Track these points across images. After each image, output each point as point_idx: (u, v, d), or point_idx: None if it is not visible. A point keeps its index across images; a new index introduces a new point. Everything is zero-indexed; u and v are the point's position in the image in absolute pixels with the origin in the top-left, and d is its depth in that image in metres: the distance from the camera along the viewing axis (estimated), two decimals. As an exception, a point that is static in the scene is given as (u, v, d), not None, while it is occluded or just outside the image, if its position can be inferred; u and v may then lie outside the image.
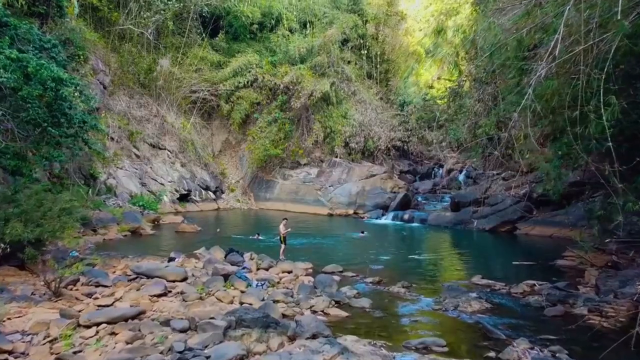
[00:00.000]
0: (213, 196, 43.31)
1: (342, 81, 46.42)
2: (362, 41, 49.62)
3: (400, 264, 22.76)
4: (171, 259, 20.50)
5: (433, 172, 50.64)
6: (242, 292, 15.79)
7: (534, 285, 17.63)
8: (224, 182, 46.02)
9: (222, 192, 45.08)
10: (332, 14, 48.40)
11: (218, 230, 30.97)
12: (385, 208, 38.30)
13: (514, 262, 22.50)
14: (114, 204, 33.13)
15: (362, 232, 31.38)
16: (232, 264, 19.87)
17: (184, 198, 41.16)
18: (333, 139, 43.99)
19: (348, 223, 37.42)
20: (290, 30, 48.25)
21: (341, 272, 20.50)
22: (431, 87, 61.13)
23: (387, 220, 36.57)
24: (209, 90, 44.48)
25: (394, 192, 39.21)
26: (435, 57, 50.22)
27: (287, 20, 48.06)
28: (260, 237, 27.56)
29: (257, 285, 17.05)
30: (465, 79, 34.04)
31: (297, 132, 44.71)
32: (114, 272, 18.38)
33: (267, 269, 19.94)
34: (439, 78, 49.95)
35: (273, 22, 48.58)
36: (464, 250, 27.08)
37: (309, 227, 35.03)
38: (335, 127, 43.97)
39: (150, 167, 40.22)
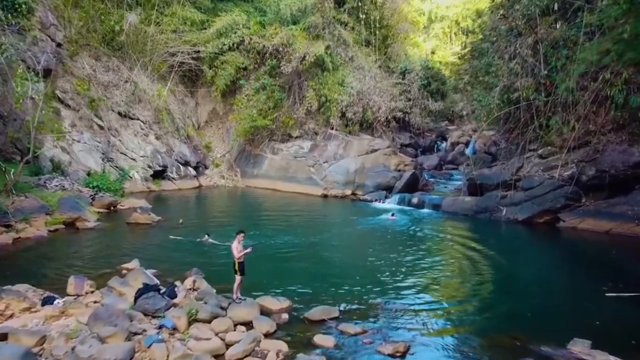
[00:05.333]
0: (193, 172, 32.87)
1: (338, 45, 35.54)
2: (360, 4, 38.44)
3: (447, 292, 12.57)
4: (48, 300, 10.40)
5: (436, 146, 40.33)
6: None
7: None
8: (208, 157, 35.55)
9: (206, 168, 34.66)
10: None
11: (181, 221, 20.72)
12: (389, 189, 27.91)
13: (606, 294, 12.32)
14: (56, 185, 22.77)
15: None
16: (145, 314, 9.75)
17: (159, 175, 30.83)
18: (328, 109, 33.37)
19: (346, 207, 27.15)
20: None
21: (337, 318, 10.58)
22: (433, 52, 50.68)
23: (391, 204, 26.27)
24: (189, 54, 33.60)
25: (399, 170, 28.72)
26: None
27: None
28: (210, 241, 17.25)
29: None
30: (490, 32, 23.36)
31: (288, 101, 33.97)
32: None
33: (208, 322, 9.80)
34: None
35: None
36: (502, 257, 16.92)
37: (298, 213, 24.80)
38: (330, 96, 33.28)
39: (119, 140, 29.75)
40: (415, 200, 25.44)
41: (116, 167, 28.56)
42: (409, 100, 37.12)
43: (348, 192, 29.12)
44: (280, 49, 32.72)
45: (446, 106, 40.61)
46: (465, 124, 41.50)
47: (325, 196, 29.46)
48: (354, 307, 11.42)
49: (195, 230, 19.11)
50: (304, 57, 31.70)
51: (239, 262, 10.49)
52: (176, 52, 33.34)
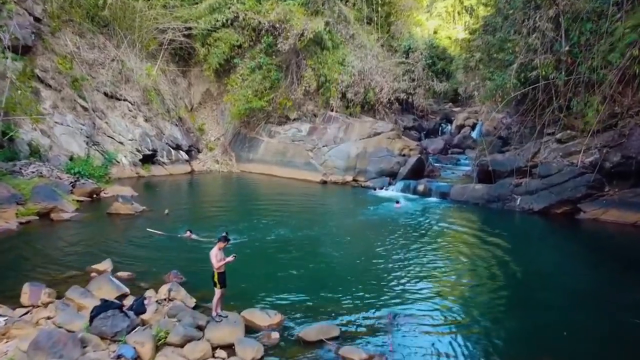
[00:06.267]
0: (185, 157, 30.83)
1: (338, 22, 33.16)
2: (361, -21, 36.03)
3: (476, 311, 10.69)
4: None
5: (440, 129, 38.19)
6: None
7: None
8: (201, 140, 33.48)
9: (199, 152, 32.62)
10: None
11: (167, 212, 18.81)
12: (392, 175, 25.82)
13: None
14: (33, 172, 20.78)
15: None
16: (102, 337, 7.90)
17: (148, 159, 28.83)
18: (328, 89, 31.15)
19: (346, 194, 25.24)
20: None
21: (337, 338, 8.76)
22: (436, 32, 48.26)
23: (394, 191, 24.31)
24: (180, 31, 31.31)
25: (404, 155, 26.63)
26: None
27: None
28: (194, 237, 15.23)
29: None
30: (504, 4, 21.05)
31: (285, 81, 31.74)
32: None
33: (180, 346, 7.95)
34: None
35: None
36: (520, 255, 15.12)
37: (295, 201, 22.91)
38: (330, 75, 31.04)
39: (106, 122, 27.67)
40: (421, 187, 23.45)
41: (102, 151, 26.54)
42: (413, 80, 34.83)
43: (349, 178, 27.06)
44: (277, 25, 30.34)
45: (451, 87, 38.42)
46: (471, 105, 39.35)
47: (324, 182, 27.46)
48: (357, 320, 9.59)
49: (181, 223, 17.19)
50: (302, 34, 29.36)
51: (218, 273, 8.57)
52: (166, 29, 31.04)
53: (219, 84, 34.41)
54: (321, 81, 30.95)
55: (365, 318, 9.75)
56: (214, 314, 8.78)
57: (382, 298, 10.85)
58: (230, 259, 8.61)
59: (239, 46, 32.13)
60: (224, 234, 8.84)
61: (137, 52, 30.20)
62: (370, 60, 32.82)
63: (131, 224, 17.34)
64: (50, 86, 25.44)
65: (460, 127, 36.37)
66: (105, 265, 12.15)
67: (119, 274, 11.71)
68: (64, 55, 26.65)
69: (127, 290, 10.03)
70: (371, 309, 10.18)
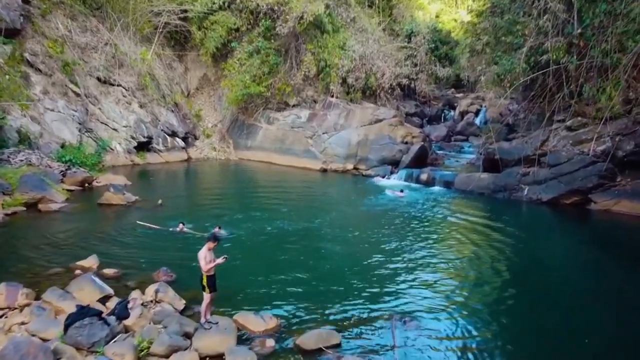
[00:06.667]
0: (182, 144, 29.93)
1: (339, 5, 32.01)
2: (362, -40, 34.78)
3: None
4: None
5: (443, 115, 37.20)
6: None
7: None
8: (198, 127, 32.53)
9: (196, 139, 31.70)
10: None
11: (160, 202, 17.96)
12: (394, 163, 24.93)
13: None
14: (21, 160, 19.92)
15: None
16: (78, 348, 7.13)
17: (144, 147, 27.94)
18: (328, 75, 30.09)
19: (347, 183, 24.39)
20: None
21: (338, 346, 8.04)
22: (437, 17, 46.93)
23: (397, 180, 23.47)
24: (176, 13, 30.18)
25: (406, 143, 25.71)
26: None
27: None
28: (186, 230, 14.33)
29: None
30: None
31: (284, 66, 30.67)
32: None
33: (165, 357, 7.17)
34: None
35: None
36: (530, 249, 14.38)
37: (294, 191, 22.11)
38: (330, 60, 29.95)
39: (99, 109, 26.73)
40: (424, 176, 22.59)
41: (95, 138, 25.64)
42: (415, 65, 33.79)
43: (349, 166, 26.19)
44: (276, 7, 29.20)
45: (454, 72, 37.35)
46: (474, 91, 38.33)
47: (324, 171, 26.59)
48: (359, 326, 8.82)
49: (175, 214, 16.39)
50: (302, 16, 28.21)
51: (207, 276, 7.76)
52: (161, 12, 29.85)
53: (216, 69, 33.32)
54: (321, 66, 29.88)
55: (368, 323, 8.97)
56: (202, 320, 7.98)
57: (386, 299, 10.08)
58: (220, 260, 7.79)
59: (237, 30, 31.00)
60: (213, 232, 8.01)
61: (131, 35, 29.13)
62: (371, 44, 31.75)
63: (122, 215, 16.52)
64: (40, 71, 24.44)
65: (464, 114, 35.37)
66: (91, 261, 11.36)
67: (105, 271, 10.94)
68: (55, 38, 25.58)
69: (110, 291, 9.24)
70: (374, 312, 9.41)
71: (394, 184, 22.76)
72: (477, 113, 34.55)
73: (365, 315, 9.29)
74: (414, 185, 22.52)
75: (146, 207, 17.68)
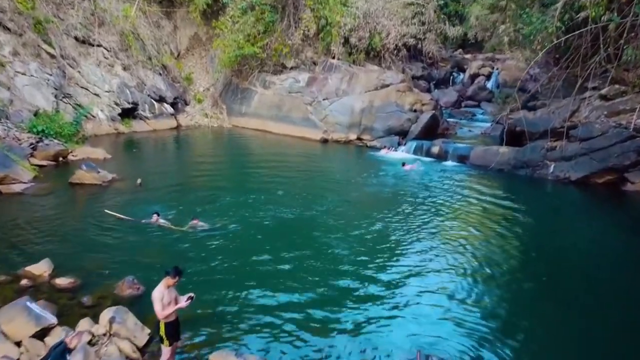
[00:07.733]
0: (171, 110, 27.43)
1: (341, -44, 28.96)
2: None
3: None
4: None
5: (452, 78, 34.51)
6: None
7: None
8: (189, 91, 29.94)
9: (186, 104, 29.18)
10: None
11: (139, 181, 15.70)
12: (402, 134, 22.56)
13: None
14: (-15, 132, 17.63)
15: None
16: None
17: (129, 113, 25.48)
18: (329, 34, 27.26)
19: (350, 156, 22.13)
20: None
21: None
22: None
23: (405, 152, 21.18)
24: (161, -35, 27.22)
25: (415, 111, 23.26)
26: None
27: None
28: (161, 222, 12.02)
29: None
30: None
31: (281, 24, 27.78)
32: None
33: None
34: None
35: None
36: (562, 241, 12.31)
37: (290, 166, 19.87)
38: (332, 18, 27.07)
39: (78, 72, 24.15)
40: (435, 149, 20.31)
41: (75, 104, 23.17)
42: (423, 24, 30.87)
43: (352, 136, 23.82)
44: (271, -42, 26.24)
45: (463, 31, 34.48)
46: (484, 51, 35.56)
47: (325, 141, 24.24)
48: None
49: (154, 197, 14.30)
50: (300, -32, 25.33)
51: (165, 324, 5.66)
52: (145, -37, 26.90)
53: (207, 28, 30.45)
54: (321, 24, 27.04)
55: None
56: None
57: (404, 323, 8.03)
58: (183, 304, 5.67)
59: (229, -17, 28.02)
60: (174, 268, 5.77)
61: (113, -11, 26.18)
62: (376, 1, 28.77)
63: (93, 199, 14.30)
64: (9, 29, 21.66)
65: (474, 77, 32.75)
66: (43, 267, 9.28)
67: (58, 281, 8.90)
68: (26, -8, 22.77)
69: (52, 321, 7.14)
70: (390, 342, 7.37)
71: (401, 157, 20.46)
72: (488, 76, 31.94)
73: (378, 344, 7.24)
74: (424, 159, 20.25)
75: (123, 187, 15.50)
